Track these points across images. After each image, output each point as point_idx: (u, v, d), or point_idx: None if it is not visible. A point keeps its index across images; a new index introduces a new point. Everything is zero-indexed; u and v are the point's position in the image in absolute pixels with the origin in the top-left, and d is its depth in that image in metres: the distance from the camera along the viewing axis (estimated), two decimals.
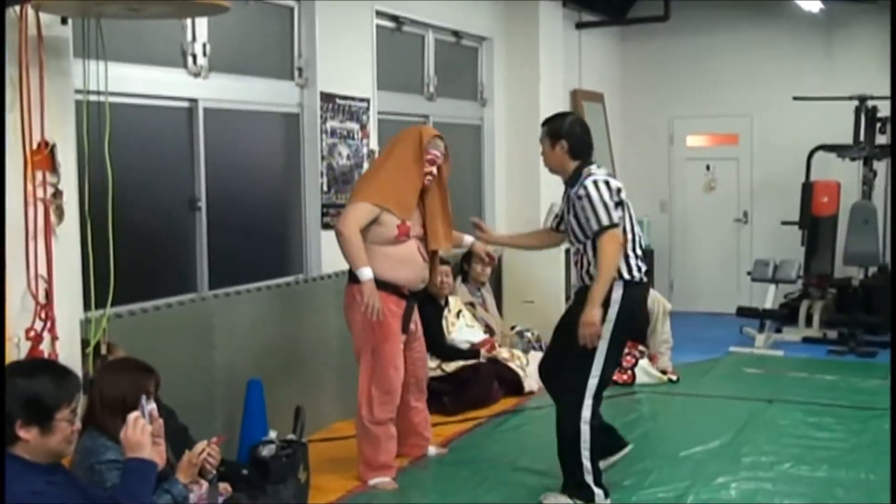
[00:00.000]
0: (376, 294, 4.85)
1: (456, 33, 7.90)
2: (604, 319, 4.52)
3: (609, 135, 10.16)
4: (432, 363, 6.20)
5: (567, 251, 8.27)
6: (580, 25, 9.74)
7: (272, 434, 4.78)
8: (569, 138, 4.70)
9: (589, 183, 4.56)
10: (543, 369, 5.02)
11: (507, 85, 8.47)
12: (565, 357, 4.72)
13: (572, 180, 4.68)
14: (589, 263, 4.62)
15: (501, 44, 8.38)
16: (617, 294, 4.57)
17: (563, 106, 9.15)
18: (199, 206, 5.33)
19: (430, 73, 7.61)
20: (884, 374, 7.48)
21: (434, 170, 5.11)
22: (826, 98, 9.23)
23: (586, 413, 4.56)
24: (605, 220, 4.51)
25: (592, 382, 4.57)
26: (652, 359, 7.41)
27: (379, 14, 6.79)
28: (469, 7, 7.91)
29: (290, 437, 4.85)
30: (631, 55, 10.75)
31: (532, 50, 8.42)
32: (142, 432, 2.99)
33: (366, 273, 4.85)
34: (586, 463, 4.59)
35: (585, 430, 4.57)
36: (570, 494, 4.67)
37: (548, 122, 4.84)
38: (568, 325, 4.72)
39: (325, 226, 6.12)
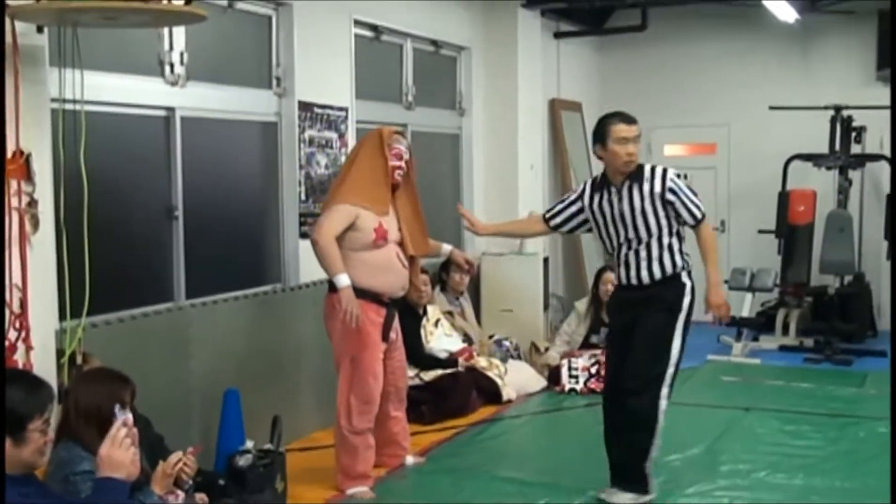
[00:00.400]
0: (355, 301, 4.83)
1: (434, 42, 7.91)
2: (679, 310, 4.74)
3: (588, 144, 10.16)
4: (410, 372, 6.19)
5: (545, 260, 8.35)
6: (558, 35, 9.76)
7: (249, 444, 4.77)
8: None
9: (674, 177, 4.75)
10: (618, 385, 4.92)
11: (486, 94, 8.48)
12: (639, 359, 4.77)
13: (636, 175, 4.75)
14: (651, 260, 4.73)
15: (480, 53, 8.40)
16: (688, 286, 4.80)
17: (542, 115, 9.19)
18: (177, 215, 5.31)
19: (408, 83, 7.61)
20: (859, 382, 7.54)
21: (402, 164, 5.12)
22: (802, 108, 9.30)
23: (664, 402, 4.77)
24: (703, 209, 4.82)
25: (670, 371, 4.77)
26: None
27: (357, 23, 6.79)
28: (447, 16, 7.93)
29: (268, 446, 4.84)
30: (609, 65, 10.78)
31: (510, 59, 8.44)
32: (126, 451, 2.95)
33: (343, 280, 4.83)
34: (653, 452, 4.77)
35: (662, 417, 4.77)
36: (634, 490, 4.79)
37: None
38: (632, 328, 4.78)
39: (303, 235, 6.10)
